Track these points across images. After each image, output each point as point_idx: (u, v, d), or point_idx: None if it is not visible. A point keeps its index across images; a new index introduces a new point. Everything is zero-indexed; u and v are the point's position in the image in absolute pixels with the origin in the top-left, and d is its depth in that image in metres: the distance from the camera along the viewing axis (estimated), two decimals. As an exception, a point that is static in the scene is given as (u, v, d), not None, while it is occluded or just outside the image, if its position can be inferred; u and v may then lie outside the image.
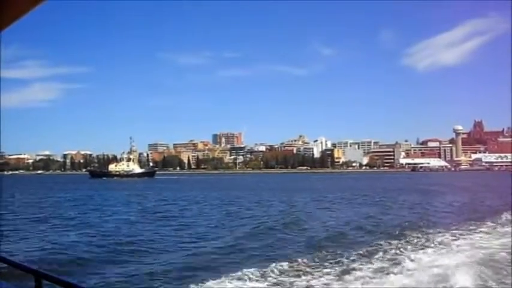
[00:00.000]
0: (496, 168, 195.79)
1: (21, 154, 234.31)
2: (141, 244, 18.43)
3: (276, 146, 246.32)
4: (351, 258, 14.36)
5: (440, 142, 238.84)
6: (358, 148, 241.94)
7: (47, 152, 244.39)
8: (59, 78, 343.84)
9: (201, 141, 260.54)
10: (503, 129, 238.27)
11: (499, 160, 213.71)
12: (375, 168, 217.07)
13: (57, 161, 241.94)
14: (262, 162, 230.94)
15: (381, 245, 16.72)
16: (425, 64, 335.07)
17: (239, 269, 12.92)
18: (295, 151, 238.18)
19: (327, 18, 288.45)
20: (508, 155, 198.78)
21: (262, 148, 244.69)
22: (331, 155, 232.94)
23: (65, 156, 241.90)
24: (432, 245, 16.99)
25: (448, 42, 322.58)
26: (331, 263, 13.78)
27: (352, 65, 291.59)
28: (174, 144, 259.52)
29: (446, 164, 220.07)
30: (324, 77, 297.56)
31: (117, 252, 16.72)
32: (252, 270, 12.69)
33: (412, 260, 13.95)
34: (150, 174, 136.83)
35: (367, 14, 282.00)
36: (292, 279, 12.09)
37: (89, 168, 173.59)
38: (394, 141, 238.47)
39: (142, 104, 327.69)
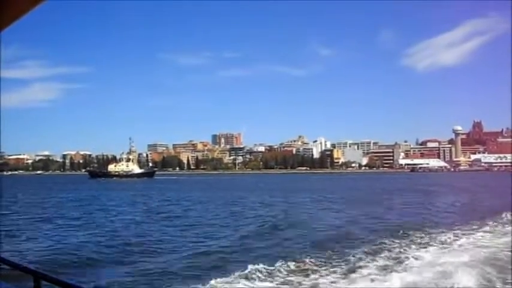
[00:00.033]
0: (496, 169, 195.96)
1: (20, 154, 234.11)
2: (150, 244, 18.61)
3: (276, 147, 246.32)
4: (357, 256, 14.54)
5: (439, 143, 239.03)
6: (358, 148, 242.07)
7: (46, 152, 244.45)
8: (59, 78, 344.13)
9: (201, 142, 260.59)
10: (503, 130, 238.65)
11: (498, 161, 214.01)
12: (374, 168, 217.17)
13: (57, 161, 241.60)
14: (261, 163, 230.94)
15: (385, 243, 16.93)
16: (425, 64, 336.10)
17: (246, 268, 13.03)
18: (294, 151, 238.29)
19: (326, 18, 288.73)
20: (508, 155, 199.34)
21: (262, 148, 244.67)
22: (331, 156, 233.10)
23: (64, 156, 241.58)
24: (435, 244, 17.22)
25: (448, 43, 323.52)
26: (337, 262, 14.03)
27: (351, 65, 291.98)
28: (173, 144, 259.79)
29: (446, 164, 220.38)
30: (323, 77, 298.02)
31: (127, 252, 16.89)
32: (259, 267, 12.86)
33: (416, 259, 14.13)
34: (149, 174, 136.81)
35: (366, 14, 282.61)
36: (300, 278, 12.25)
37: (88, 168, 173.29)
38: (393, 141, 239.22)
39: (142, 104, 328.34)
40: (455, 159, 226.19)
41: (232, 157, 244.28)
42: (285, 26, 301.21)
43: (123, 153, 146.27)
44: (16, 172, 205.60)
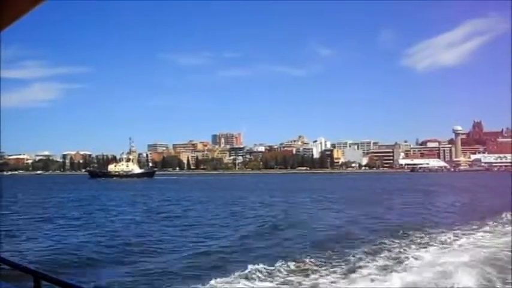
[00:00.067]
0: (495, 169, 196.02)
1: (20, 154, 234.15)
2: (150, 244, 18.64)
3: (276, 147, 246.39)
4: (357, 256, 14.56)
5: (439, 143, 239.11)
6: (358, 148, 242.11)
7: (46, 152, 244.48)
8: (58, 78, 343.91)
9: (201, 142, 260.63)
10: (503, 130, 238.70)
11: (498, 161, 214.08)
12: (374, 168, 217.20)
13: (57, 161, 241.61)
14: (261, 163, 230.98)
15: (385, 243, 16.95)
16: (425, 64, 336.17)
17: (247, 268, 13.05)
18: (294, 151, 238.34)
19: (326, 18, 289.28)
20: (507, 155, 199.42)
21: (262, 148, 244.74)
22: (331, 156, 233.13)
23: (64, 156, 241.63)
24: (435, 244, 17.23)
25: (448, 43, 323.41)
26: (337, 262, 14.05)
27: (351, 65, 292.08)
28: (173, 144, 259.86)
29: (446, 164, 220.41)
30: (323, 77, 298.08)
31: (127, 252, 16.91)
32: (259, 267, 12.89)
33: (416, 259, 14.15)
34: (149, 174, 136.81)
35: (366, 14, 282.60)
36: (300, 278, 12.26)
37: (88, 168, 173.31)
38: (393, 141, 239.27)
39: (142, 104, 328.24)
40: (455, 159, 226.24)
41: (232, 157, 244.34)
42: (285, 26, 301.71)
43: (123, 153, 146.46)
44: (16, 172, 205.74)
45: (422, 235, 19.31)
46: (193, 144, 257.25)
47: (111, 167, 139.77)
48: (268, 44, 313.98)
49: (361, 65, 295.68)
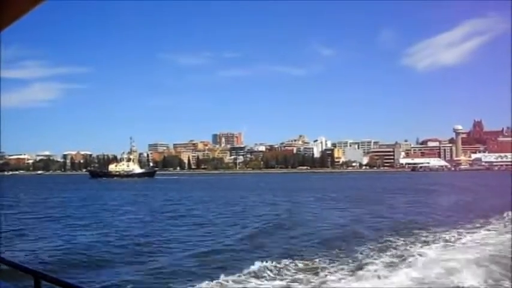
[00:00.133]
0: (496, 168, 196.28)
1: (21, 154, 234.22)
2: (160, 244, 18.78)
3: (276, 146, 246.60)
4: (364, 253, 14.70)
5: (440, 142, 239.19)
6: (358, 148, 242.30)
7: (47, 152, 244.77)
8: (59, 78, 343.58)
9: (201, 141, 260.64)
10: (503, 129, 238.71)
11: (499, 160, 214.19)
12: (375, 168, 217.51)
13: (57, 161, 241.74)
14: (262, 162, 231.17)
15: (390, 241, 17.09)
16: (425, 64, 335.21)
17: (255, 266, 13.21)
18: (295, 151, 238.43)
19: (326, 18, 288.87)
20: (508, 154, 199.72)
21: (262, 148, 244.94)
22: (331, 155, 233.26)
23: (65, 156, 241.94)
24: (440, 241, 17.37)
25: (448, 42, 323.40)
26: (345, 259, 14.17)
27: (351, 65, 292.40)
28: (174, 144, 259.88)
29: (446, 163, 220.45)
30: (324, 77, 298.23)
31: (138, 251, 17.06)
32: (268, 265, 13.04)
33: (421, 255, 14.31)
34: (150, 174, 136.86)
35: (367, 14, 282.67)
36: (309, 276, 12.41)
37: (89, 168, 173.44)
38: (394, 141, 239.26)
39: (143, 104, 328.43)
40: (455, 159, 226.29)
41: (233, 157, 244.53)
42: (285, 26, 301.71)
43: (123, 153, 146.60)
44: (17, 172, 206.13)
45: (427, 233, 19.50)
46: (194, 144, 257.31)
47: (112, 167, 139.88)
48: (268, 44, 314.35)
49: (362, 64, 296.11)
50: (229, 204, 38.67)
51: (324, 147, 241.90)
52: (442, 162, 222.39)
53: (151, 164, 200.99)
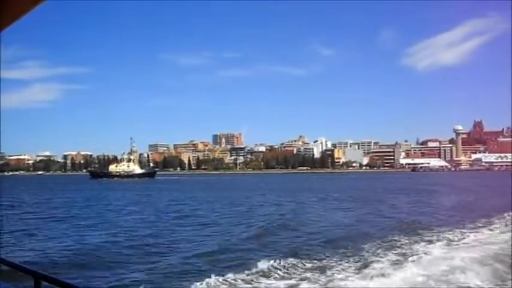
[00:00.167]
0: (496, 168, 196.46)
1: (21, 155, 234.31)
2: (169, 244, 18.92)
3: (276, 147, 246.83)
4: (370, 252, 14.89)
5: (440, 142, 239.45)
6: (358, 148, 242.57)
7: (47, 153, 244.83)
8: (58, 78, 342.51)
9: (201, 142, 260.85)
10: (503, 129, 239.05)
11: (499, 160, 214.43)
12: (375, 168, 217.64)
13: (58, 162, 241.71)
14: (262, 163, 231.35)
15: (395, 240, 17.31)
16: (425, 64, 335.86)
17: (262, 265, 13.39)
18: (295, 151, 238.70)
19: (326, 18, 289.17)
20: (508, 155, 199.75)
21: (263, 148, 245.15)
22: (331, 155, 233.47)
23: (65, 157, 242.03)
24: (443, 240, 17.57)
25: (448, 42, 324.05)
26: (351, 257, 14.35)
27: (351, 65, 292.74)
28: (174, 144, 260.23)
29: (446, 164, 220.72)
30: (324, 77, 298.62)
31: (147, 252, 17.22)
32: (275, 263, 13.21)
33: (426, 254, 14.51)
34: (150, 174, 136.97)
35: (367, 14, 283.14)
36: (316, 274, 12.59)
37: (89, 168, 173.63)
38: (394, 141, 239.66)
39: (143, 104, 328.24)
40: (456, 159, 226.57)
41: (233, 157, 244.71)
42: (285, 26, 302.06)
43: (124, 153, 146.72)
44: (17, 173, 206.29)
45: (430, 232, 19.70)
46: (194, 145, 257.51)
47: (112, 168, 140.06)
48: (268, 44, 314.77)
49: (362, 64, 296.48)
50: (234, 205, 38.90)
51: (324, 148, 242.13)
52: (442, 163, 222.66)
53: (151, 165, 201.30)
